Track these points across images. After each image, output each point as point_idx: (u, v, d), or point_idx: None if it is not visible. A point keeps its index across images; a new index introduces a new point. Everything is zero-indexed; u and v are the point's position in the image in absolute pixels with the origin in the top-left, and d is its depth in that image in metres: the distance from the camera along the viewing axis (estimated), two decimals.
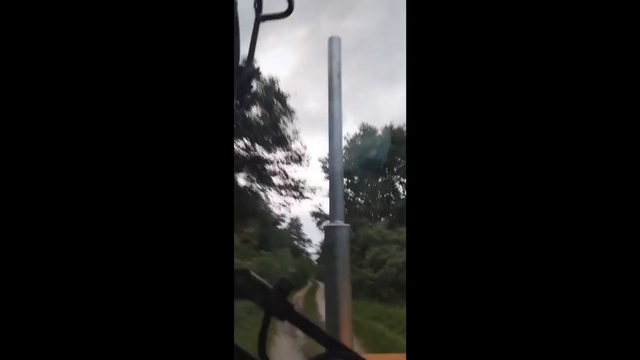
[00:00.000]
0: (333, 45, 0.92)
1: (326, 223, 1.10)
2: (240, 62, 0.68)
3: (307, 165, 14.32)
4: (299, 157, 14.06)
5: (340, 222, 1.05)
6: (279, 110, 12.81)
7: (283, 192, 14.41)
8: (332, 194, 1.06)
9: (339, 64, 0.93)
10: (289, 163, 14.08)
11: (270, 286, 0.43)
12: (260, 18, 0.74)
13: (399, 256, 10.71)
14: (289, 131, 13.45)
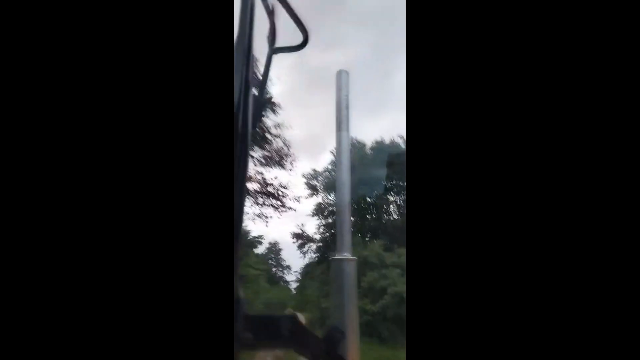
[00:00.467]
0: (342, 78, 1.07)
1: (333, 255, 1.21)
2: (254, 92, 0.79)
3: (291, 169, 12.83)
4: (281, 157, 12.44)
5: (347, 255, 1.16)
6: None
7: (260, 199, 12.78)
8: (339, 226, 1.18)
9: (347, 95, 1.07)
10: (268, 164, 12.46)
11: (319, 335, 0.46)
12: (274, 50, 0.86)
13: (402, 283, 9.83)
14: (269, 123, 11.76)
